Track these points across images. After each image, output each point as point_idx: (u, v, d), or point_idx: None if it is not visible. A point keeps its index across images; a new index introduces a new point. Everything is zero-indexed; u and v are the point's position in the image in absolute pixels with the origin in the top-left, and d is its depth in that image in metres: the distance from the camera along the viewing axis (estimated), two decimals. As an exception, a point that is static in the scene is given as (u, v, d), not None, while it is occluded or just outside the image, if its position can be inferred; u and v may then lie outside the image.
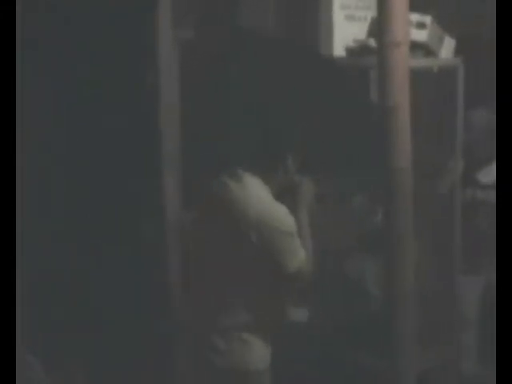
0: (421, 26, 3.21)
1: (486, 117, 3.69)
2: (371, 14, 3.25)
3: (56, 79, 3.76)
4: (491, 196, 3.36)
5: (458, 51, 3.38)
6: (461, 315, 3.60)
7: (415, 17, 3.21)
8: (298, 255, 2.62)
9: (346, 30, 3.31)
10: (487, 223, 3.57)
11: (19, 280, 2.22)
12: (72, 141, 3.79)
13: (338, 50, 3.31)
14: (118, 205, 3.59)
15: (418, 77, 2.84)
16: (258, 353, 2.73)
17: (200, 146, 3.46)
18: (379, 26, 2.65)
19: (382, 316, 2.80)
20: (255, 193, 2.65)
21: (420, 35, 3.21)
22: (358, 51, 3.28)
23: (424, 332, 2.86)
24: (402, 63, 2.62)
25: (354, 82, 3.65)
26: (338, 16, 3.31)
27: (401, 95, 2.63)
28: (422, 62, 3.26)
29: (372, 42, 3.17)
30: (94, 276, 3.67)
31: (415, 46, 3.13)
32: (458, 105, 3.37)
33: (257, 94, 3.61)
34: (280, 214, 2.61)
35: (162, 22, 3.46)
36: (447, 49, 3.36)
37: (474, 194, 3.65)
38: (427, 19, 3.23)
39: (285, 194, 2.75)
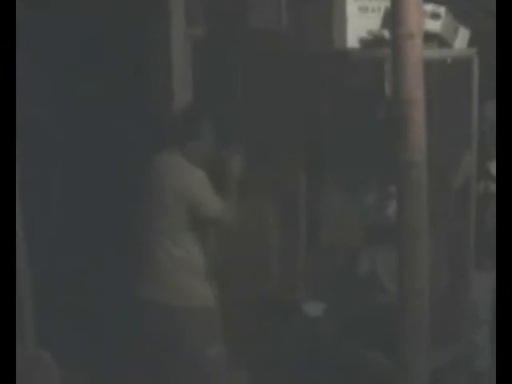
0: (435, 16, 3.17)
1: None
2: (385, 4, 3.21)
3: (66, 77, 3.78)
4: None
5: (472, 42, 3.34)
6: (474, 312, 3.56)
7: (429, 7, 3.17)
8: (214, 204, 3.18)
9: (360, 21, 3.27)
10: None
11: (20, 280, 2.24)
12: (78, 140, 3.82)
13: (352, 42, 3.27)
14: (119, 206, 3.61)
15: (431, 68, 2.80)
16: (201, 289, 3.26)
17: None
18: (393, 17, 2.62)
19: (394, 312, 2.78)
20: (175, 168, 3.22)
21: (434, 26, 3.17)
22: (371, 43, 3.25)
23: (437, 329, 2.84)
24: (416, 55, 2.58)
25: (367, 75, 3.62)
26: (352, 7, 3.27)
27: (415, 87, 2.60)
28: (436, 52, 3.22)
29: (386, 34, 3.13)
30: (96, 275, 3.71)
31: (429, 37, 3.09)
32: (472, 96, 3.32)
33: (268, 89, 3.61)
34: (192, 178, 3.18)
35: (174, 20, 3.46)
36: (462, 40, 3.32)
37: (486, 186, 3.60)
38: (441, 10, 3.19)
39: (215, 168, 3.25)
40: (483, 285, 3.58)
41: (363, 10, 3.29)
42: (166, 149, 3.24)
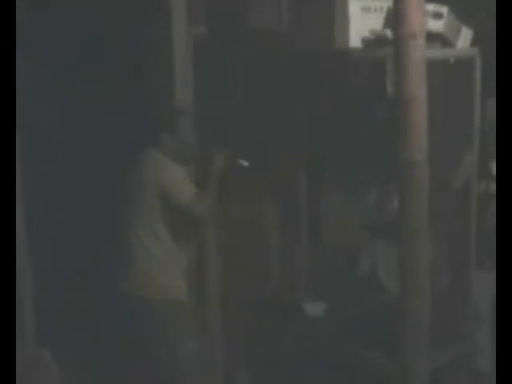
0: (437, 16, 3.17)
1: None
2: (387, 4, 3.21)
3: (66, 77, 3.78)
4: None
5: (475, 42, 3.34)
6: (474, 312, 3.56)
7: (432, 7, 3.17)
8: (186, 191, 3.23)
9: (362, 21, 3.26)
10: None
11: (20, 280, 2.24)
12: (78, 140, 3.82)
13: (354, 42, 3.27)
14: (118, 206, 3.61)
15: (434, 68, 2.79)
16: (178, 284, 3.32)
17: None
18: (395, 17, 2.61)
19: (394, 312, 2.78)
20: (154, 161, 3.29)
21: (436, 25, 3.17)
22: (374, 43, 3.24)
23: (437, 329, 2.83)
24: (419, 54, 2.58)
25: (369, 74, 3.62)
26: (354, 7, 3.27)
27: (417, 87, 2.59)
28: (438, 52, 3.21)
29: (388, 33, 3.13)
30: (96, 275, 3.71)
31: (431, 37, 3.09)
32: (474, 96, 3.32)
33: (268, 89, 3.61)
34: (166, 168, 3.26)
35: (175, 19, 3.46)
36: (464, 39, 3.32)
37: (487, 186, 3.60)
38: (444, 9, 3.19)
39: (198, 165, 3.37)
40: (484, 285, 3.57)
41: (365, 9, 3.29)
42: (149, 144, 3.31)
